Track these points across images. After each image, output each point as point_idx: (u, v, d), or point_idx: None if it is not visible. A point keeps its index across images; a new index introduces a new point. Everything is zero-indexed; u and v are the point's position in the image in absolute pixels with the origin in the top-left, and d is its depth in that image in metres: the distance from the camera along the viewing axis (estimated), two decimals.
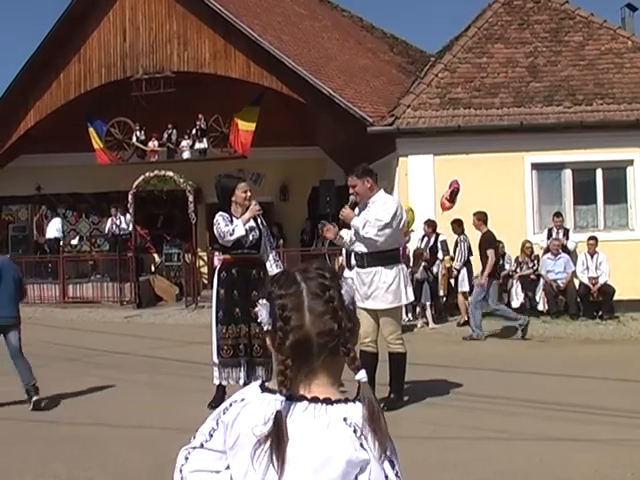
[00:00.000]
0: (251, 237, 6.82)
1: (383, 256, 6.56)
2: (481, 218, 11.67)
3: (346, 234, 6.78)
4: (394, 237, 6.56)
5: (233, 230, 6.69)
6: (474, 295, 11.59)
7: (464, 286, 12.87)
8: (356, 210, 6.77)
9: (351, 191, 6.81)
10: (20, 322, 7.51)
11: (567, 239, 13.46)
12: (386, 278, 6.55)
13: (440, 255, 12.98)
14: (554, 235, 13.61)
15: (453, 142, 13.99)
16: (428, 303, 12.70)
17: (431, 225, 13.21)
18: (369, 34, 22.15)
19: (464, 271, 12.89)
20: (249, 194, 6.87)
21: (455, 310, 13.54)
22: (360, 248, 6.63)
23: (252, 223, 6.85)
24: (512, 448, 5.44)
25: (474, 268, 12.51)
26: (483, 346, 10.81)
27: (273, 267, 6.99)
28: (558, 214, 13.73)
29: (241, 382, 6.76)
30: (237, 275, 6.81)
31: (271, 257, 7.04)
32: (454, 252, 12.94)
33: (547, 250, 13.49)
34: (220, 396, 6.86)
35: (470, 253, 12.90)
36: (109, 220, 18.94)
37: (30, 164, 19.88)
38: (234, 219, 6.77)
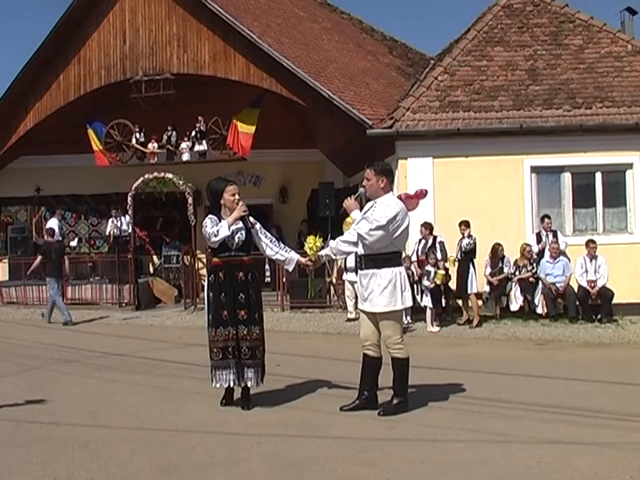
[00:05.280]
0: (237, 239, 6.83)
1: (379, 258, 6.54)
2: None
3: (358, 215, 6.71)
4: (388, 240, 6.50)
5: (217, 231, 6.71)
6: (50, 287, 14.55)
7: (473, 287, 12.95)
8: (369, 204, 6.74)
9: (363, 183, 6.76)
10: None
11: (557, 241, 13.46)
12: (380, 281, 6.51)
13: (439, 256, 13.00)
14: (543, 239, 13.64)
15: (452, 145, 14.02)
16: (430, 306, 12.70)
17: (428, 227, 13.24)
18: (369, 36, 22.17)
19: (472, 272, 12.95)
20: (237, 197, 6.88)
21: (454, 312, 13.58)
22: (360, 250, 6.63)
23: (239, 224, 6.85)
24: (511, 451, 5.44)
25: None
26: (482, 349, 10.82)
27: (274, 249, 7.04)
28: (547, 217, 13.74)
29: (231, 384, 6.80)
30: (224, 278, 6.82)
31: (270, 244, 7.05)
32: (460, 253, 13.03)
33: (539, 254, 13.51)
34: (230, 394, 6.95)
35: (474, 254, 13.03)
36: (110, 221, 18.96)
37: (29, 165, 19.91)
38: (222, 221, 6.79)
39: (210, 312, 6.90)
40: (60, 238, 19.29)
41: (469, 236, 13.02)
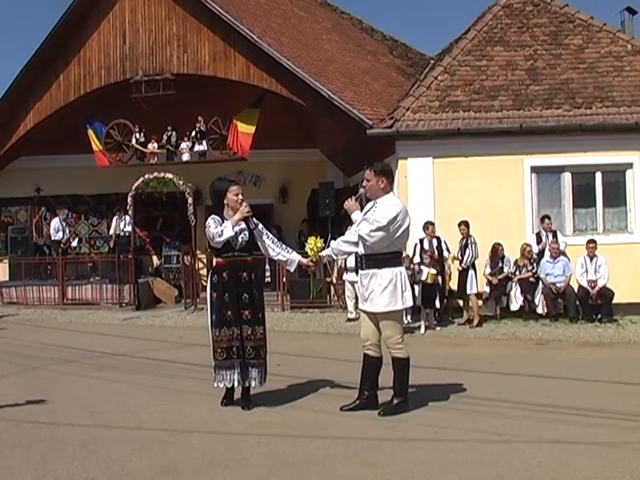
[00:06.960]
0: (240, 239, 6.83)
1: (379, 258, 6.53)
2: None
3: (358, 216, 6.71)
4: (389, 241, 6.50)
5: (222, 232, 6.72)
6: None
7: (473, 288, 12.92)
8: (369, 204, 6.74)
9: (364, 184, 6.76)
10: None
11: (556, 241, 13.45)
12: (381, 281, 6.51)
13: (445, 254, 13.01)
14: (543, 239, 13.64)
15: (452, 145, 14.02)
16: (419, 304, 12.63)
17: (430, 227, 13.22)
18: (369, 36, 22.18)
19: (472, 272, 12.93)
20: (241, 197, 6.88)
21: (455, 312, 13.57)
22: (360, 249, 6.63)
23: (242, 225, 6.86)
24: (511, 451, 5.44)
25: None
26: (482, 349, 10.82)
27: (275, 250, 7.04)
28: (547, 217, 13.74)
29: (235, 384, 6.80)
30: (228, 278, 6.82)
31: (272, 245, 7.04)
32: (461, 253, 13.00)
33: (539, 254, 13.50)
34: (230, 394, 6.94)
35: (477, 255, 13.00)
36: (114, 220, 18.99)
37: (29, 166, 19.93)
38: (225, 222, 6.79)
39: (214, 312, 6.88)
40: (60, 237, 19.35)
41: (467, 242, 12.95)
